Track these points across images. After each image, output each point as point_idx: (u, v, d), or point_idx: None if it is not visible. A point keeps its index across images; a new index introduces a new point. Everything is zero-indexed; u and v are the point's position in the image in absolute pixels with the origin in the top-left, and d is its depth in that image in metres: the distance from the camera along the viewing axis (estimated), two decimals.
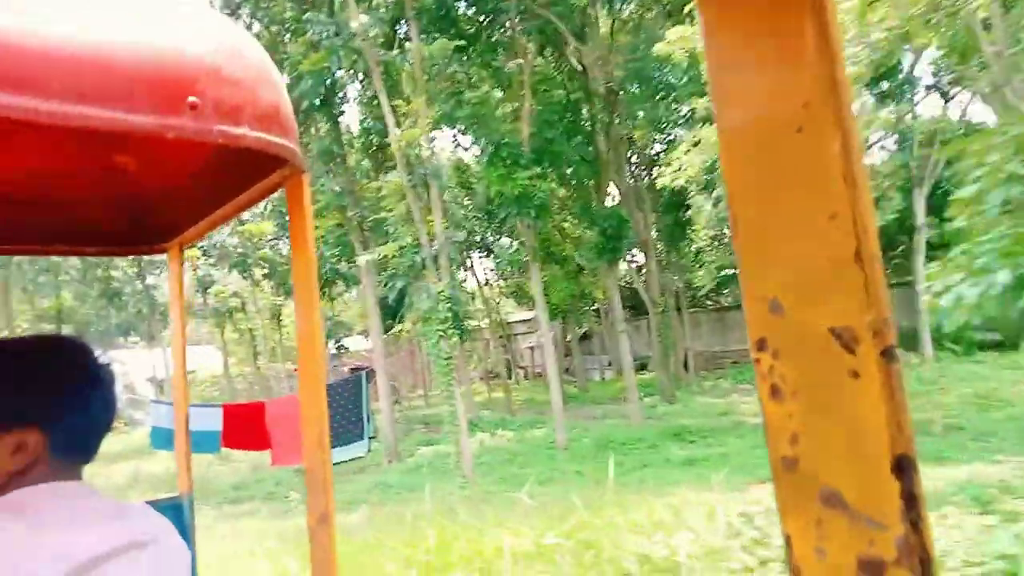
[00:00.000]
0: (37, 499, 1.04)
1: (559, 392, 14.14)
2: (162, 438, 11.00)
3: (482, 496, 10.48)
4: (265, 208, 18.46)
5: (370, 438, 11.48)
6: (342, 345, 20.41)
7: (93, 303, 20.50)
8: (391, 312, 18.33)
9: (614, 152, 18.55)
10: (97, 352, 1.16)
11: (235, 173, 1.37)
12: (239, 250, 18.02)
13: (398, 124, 12.71)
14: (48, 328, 18.63)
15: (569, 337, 29.72)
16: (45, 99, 0.80)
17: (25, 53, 0.79)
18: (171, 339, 2.03)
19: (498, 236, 23.57)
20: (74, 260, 17.47)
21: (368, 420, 11.26)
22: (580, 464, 12.54)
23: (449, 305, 11.54)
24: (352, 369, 24.90)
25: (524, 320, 31.89)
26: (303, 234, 1.21)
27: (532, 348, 31.38)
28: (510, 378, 24.09)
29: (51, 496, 1.05)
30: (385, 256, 13.47)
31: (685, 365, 23.49)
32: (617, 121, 18.21)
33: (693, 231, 27.14)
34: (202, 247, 18.51)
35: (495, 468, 12.67)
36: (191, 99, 0.91)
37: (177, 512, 1.74)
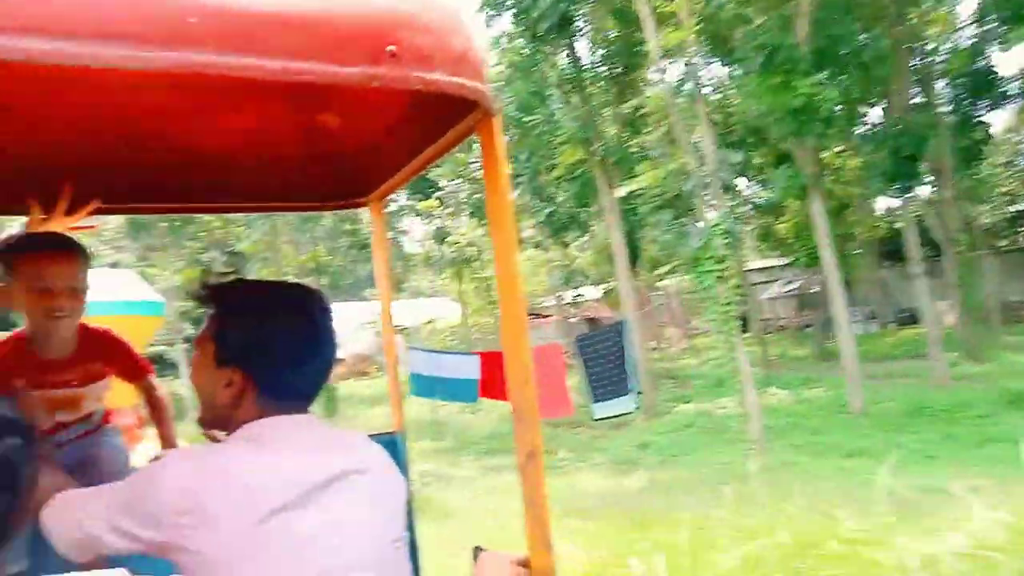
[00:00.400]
0: (267, 430, 1.15)
1: (852, 345, 11.68)
2: (421, 385, 10.46)
3: (784, 468, 8.66)
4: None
5: (637, 393, 10.13)
6: (579, 294, 19.37)
7: (343, 255, 21.49)
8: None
9: (897, 58, 15.02)
10: (323, 303, 1.22)
11: (428, 122, 1.40)
12: (475, 196, 17.56)
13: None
14: (307, 280, 19.85)
15: (815, 289, 26.20)
16: (266, 58, 0.87)
17: (247, 16, 0.86)
18: (378, 289, 2.09)
19: (734, 175, 20.82)
20: (328, 216, 18.19)
21: (633, 373, 9.87)
22: (893, 433, 10.12)
23: (727, 240, 9.66)
24: (587, 320, 23.93)
25: (762, 268, 28.68)
26: (497, 178, 1.19)
27: (774, 299, 28.20)
28: (749, 331, 21.49)
29: (279, 427, 1.16)
30: (633, 192, 11.85)
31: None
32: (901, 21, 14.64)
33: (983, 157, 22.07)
34: (438, 196, 18.34)
35: (783, 433, 10.72)
36: (390, 48, 0.96)
37: (392, 447, 1.72)
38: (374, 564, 1.13)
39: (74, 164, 1.76)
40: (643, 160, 12.55)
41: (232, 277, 1.36)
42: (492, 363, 8.74)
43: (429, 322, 23.43)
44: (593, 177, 14.15)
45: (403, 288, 21.14)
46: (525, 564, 1.19)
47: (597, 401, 9.83)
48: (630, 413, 9.96)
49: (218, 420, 1.22)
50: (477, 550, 1.31)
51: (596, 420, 10.17)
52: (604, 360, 9.83)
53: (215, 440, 1.32)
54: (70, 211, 1.76)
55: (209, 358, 1.19)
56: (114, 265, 17.66)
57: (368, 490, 1.18)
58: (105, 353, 1.86)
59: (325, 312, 1.23)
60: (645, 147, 12.13)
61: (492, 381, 8.69)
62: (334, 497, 1.12)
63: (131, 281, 4.93)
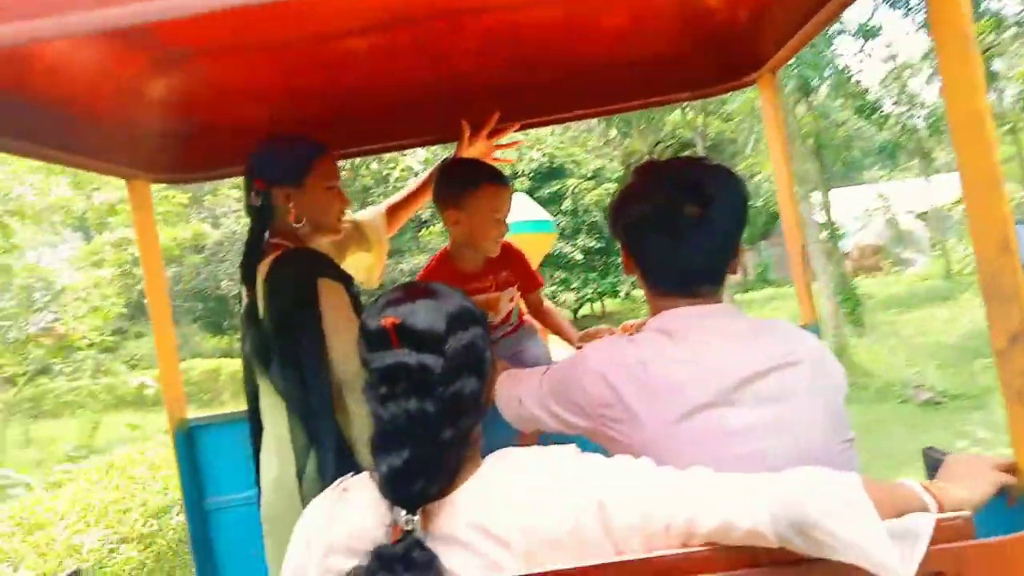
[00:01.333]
0: (681, 321, 1.13)
1: None
2: None
3: None
4: None
5: None
6: None
7: (842, 127, 17.68)
8: None
9: None
10: (717, 183, 1.16)
11: None
12: None
13: None
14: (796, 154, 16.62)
15: None
16: None
17: None
18: (775, 172, 2.03)
19: None
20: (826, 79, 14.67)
21: None
22: None
23: None
24: None
25: None
26: (956, 26, 0.93)
27: None
28: None
29: (694, 318, 1.13)
30: None
31: None
32: None
33: None
34: (992, 15, 12.89)
35: None
36: None
37: None
38: (816, 463, 0.95)
39: (474, 89, 2.03)
40: None
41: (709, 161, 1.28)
42: None
43: (957, 202, 17.94)
44: None
45: (933, 158, 16.25)
46: (1011, 470, 0.97)
47: None
48: None
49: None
50: (931, 452, 1.17)
51: None
52: None
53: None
54: (491, 134, 2.04)
55: None
56: (598, 171, 17.65)
57: (804, 384, 1.10)
58: (509, 262, 2.03)
59: (719, 194, 1.15)
60: None
61: None
62: (763, 392, 1.07)
63: (524, 202, 5.44)
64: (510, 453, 0.98)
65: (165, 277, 1.98)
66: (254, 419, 1.69)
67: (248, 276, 1.64)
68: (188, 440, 1.93)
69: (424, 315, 0.94)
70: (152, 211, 1.91)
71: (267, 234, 1.67)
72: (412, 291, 0.99)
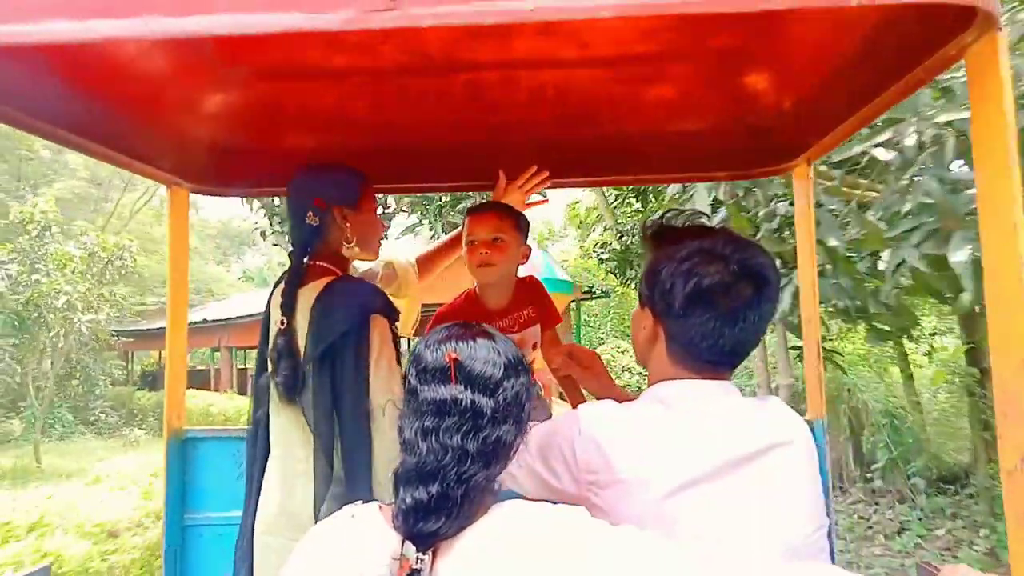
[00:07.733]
0: (678, 393, 1.17)
1: None
2: None
3: None
4: None
5: None
6: None
7: None
8: None
9: None
10: (756, 261, 1.17)
11: (880, 65, 1.27)
12: None
13: None
14: None
15: None
16: None
17: None
18: (800, 263, 1.94)
19: None
20: None
21: None
22: None
23: None
24: None
25: None
26: (995, 118, 0.93)
27: None
28: None
29: (694, 392, 1.16)
30: None
31: None
32: None
33: None
34: None
35: None
36: None
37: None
38: (792, 550, 1.06)
39: (516, 141, 2.12)
40: None
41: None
42: None
43: None
44: None
45: None
46: None
47: None
48: None
49: (643, 363, 1.29)
50: (926, 567, 1.22)
51: None
52: None
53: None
54: (525, 185, 2.15)
55: (639, 297, 1.28)
56: None
57: (792, 466, 1.14)
58: (533, 297, 2.11)
59: (772, 276, 1.17)
60: None
61: None
62: (753, 473, 1.09)
63: (543, 262, 5.81)
64: (521, 504, 0.99)
65: (188, 285, 2.05)
66: (257, 444, 1.65)
67: (289, 302, 1.62)
68: (181, 450, 1.96)
69: (485, 356, 0.98)
70: (187, 219, 2.01)
71: (307, 258, 1.69)
72: (473, 330, 1.04)
